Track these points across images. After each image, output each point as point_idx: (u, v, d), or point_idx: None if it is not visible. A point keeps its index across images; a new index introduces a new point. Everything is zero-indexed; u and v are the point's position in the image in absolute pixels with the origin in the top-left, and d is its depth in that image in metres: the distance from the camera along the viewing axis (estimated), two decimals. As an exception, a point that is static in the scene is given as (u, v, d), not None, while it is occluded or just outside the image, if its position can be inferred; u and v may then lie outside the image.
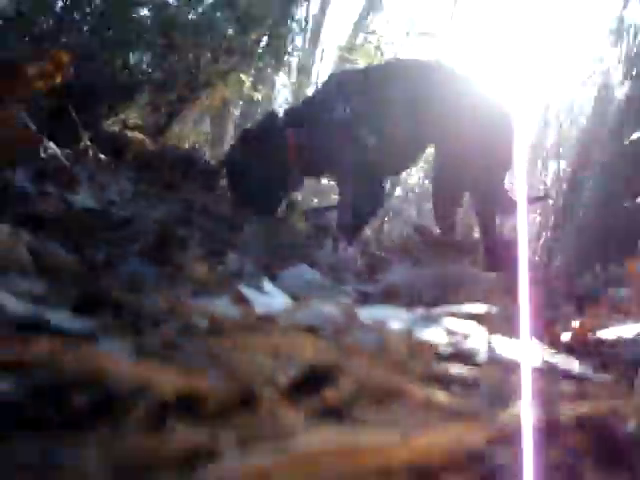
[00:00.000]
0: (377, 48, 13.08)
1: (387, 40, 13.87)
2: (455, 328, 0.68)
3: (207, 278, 0.98)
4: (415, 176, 13.59)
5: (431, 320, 0.68)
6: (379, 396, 0.41)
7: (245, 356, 0.46)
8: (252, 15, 3.33)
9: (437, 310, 0.73)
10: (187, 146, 4.09)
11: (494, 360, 0.64)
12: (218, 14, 3.28)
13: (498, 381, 0.54)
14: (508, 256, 3.05)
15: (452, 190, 3.37)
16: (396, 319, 0.67)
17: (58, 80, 0.96)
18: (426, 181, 12.75)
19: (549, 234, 7.52)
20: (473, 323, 0.71)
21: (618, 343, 0.94)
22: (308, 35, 16.16)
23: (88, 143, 2.39)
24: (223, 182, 3.42)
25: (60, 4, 2.86)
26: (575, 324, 1.03)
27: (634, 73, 5.59)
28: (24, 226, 0.91)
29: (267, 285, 0.79)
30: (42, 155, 2.38)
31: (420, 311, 0.72)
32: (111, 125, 3.29)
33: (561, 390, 0.54)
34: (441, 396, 0.45)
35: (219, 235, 2.32)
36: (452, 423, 0.38)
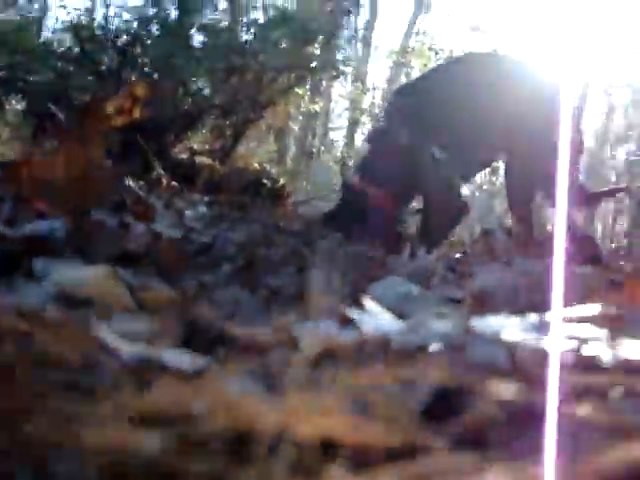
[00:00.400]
0: (430, 49, 13.02)
1: (439, 39, 13.80)
2: (575, 333, 0.65)
3: (303, 300, 0.96)
4: (480, 174, 13.43)
5: (548, 327, 0.65)
6: (523, 418, 0.39)
7: (374, 387, 0.44)
8: (307, 29, 3.33)
9: (550, 315, 0.70)
10: (253, 165, 4.12)
11: (627, 365, 0.60)
12: (275, 32, 3.29)
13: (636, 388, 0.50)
14: (590, 250, 2.96)
15: (526, 188, 3.30)
16: (512, 329, 0.64)
17: (136, 114, 0.97)
18: (493, 178, 12.58)
19: (627, 222, 7.30)
20: (591, 326, 0.67)
21: None
22: (360, 43, 16.21)
23: (161, 172, 2.43)
24: (291, 199, 3.44)
25: (122, 40, 2.94)
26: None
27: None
28: (118, 264, 0.91)
29: (369, 303, 0.76)
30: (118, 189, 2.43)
31: (533, 317, 0.69)
32: (179, 152, 3.34)
33: None
34: (589, 410, 0.42)
35: (300, 252, 2.31)
36: (621, 440, 0.35)
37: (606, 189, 4.12)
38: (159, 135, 3.03)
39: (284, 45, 3.38)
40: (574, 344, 0.63)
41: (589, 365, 0.61)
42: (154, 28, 3.05)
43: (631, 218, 6.49)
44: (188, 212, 2.46)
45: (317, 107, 9.53)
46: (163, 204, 2.40)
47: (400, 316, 0.88)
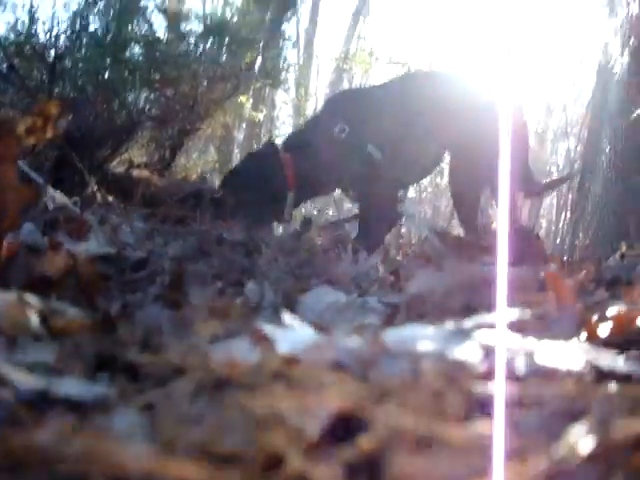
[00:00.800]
0: (370, 54, 13.11)
1: (379, 45, 13.91)
2: (489, 341, 0.64)
3: (226, 316, 0.94)
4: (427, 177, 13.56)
5: (462, 335, 0.64)
6: (419, 440, 0.38)
7: (269, 411, 0.42)
8: (241, 39, 3.32)
9: (467, 322, 0.70)
10: (195, 177, 4.08)
11: (536, 372, 0.60)
12: (208, 43, 3.28)
13: (545, 397, 0.50)
14: (531, 245, 3.01)
15: (470, 188, 3.34)
16: (425, 339, 0.63)
17: (49, 134, 0.93)
18: (437, 180, 12.71)
19: (568, 215, 7.44)
20: (506, 332, 0.67)
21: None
22: (302, 50, 16.24)
23: (95, 187, 2.38)
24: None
25: (52, 54, 2.88)
26: (612, 313, 0.98)
27: (631, 44, 5.52)
28: (33, 288, 0.88)
29: (287, 317, 0.75)
30: (50, 206, 2.37)
31: (450, 325, 0.68)
32: (116, 166, 3.29)
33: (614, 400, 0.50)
34: (486, 428, 0.41)
35: (238, 264, 2.28)
36: (512, 463, 0.34)
37: (553, 179, 4.22)
38: (94, 149, 2.97)
39: (220, 56, 3.36)
40: (488, 352, 0.63)
41: (503, 374, 0.61)
42: (84, 41, 3.00)
43: (570, 208, 6.61)
44: (124, 227, 2.41)
45: (260, 115, 9.50)
46: (98, 220, 2.35)
47: (323, 328, 0.87)
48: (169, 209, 2.89)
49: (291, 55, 14.74)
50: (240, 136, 13.12)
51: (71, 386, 0.54)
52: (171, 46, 3.39)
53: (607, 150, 5.49)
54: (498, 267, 0.97)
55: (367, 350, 0.58)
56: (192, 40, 3.43)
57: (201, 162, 4.95)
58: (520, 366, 0.61)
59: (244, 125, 12.16)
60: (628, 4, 5.70)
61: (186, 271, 1.31)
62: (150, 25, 3.43)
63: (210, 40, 3.38)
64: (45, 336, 0.74)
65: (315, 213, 9.18)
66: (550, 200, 13.16)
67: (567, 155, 11.16)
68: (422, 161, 3.42)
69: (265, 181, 3.23)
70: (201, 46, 3.38)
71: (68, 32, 2.97)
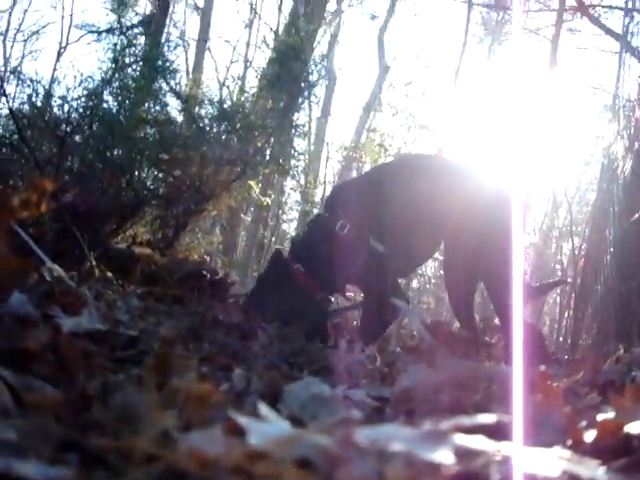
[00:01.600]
0: (380, 145, 13.37)
1: (389, 137, 14.19)
2: (465, 444, 0.63)
3: (205, 403, 0.93)
4: (431, 266, 13.60)
5: (437, 438, 0.63)
6: None
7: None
8: (251, 125, 3.39)
9: (444, 424, 0.68)
10: (197, 257, 4.10)
11: (506, 477, 0.58)
12: (217, 127, 3.34)
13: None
14: (535, 343, 2.99)
15: (465, 280, 3.34)
16: (398, 440, 0.61)
17: (43, 209, 0.94)
18: (441, 271, 12.72)
19: (570, 314, 7.39)
20: (483, 437, 0.65)
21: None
22: (312, 138, 16.58)
23: (94, 263, 2.38)
24: (232, 291, 3.41)
25: (63, 129, 2.94)
26: (599, 419, 0.96)
27: (635, 148, 5.62)
28: (11, 361, 0.87)
29: (264, 409, 0.73)
30: (47, 278, 2.37)
31: (426, 427, 0.67)
32: (119, 242, 3.31)
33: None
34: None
35: (231, 347, 2.25)
36: None
37: (545, 283, 4.19)
38: (98, 224, 2.99)
39: (229, 140, 3.43)
40: (462, 456, 0.61)
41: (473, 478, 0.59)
42: (95, 119, 3.07)
43: (573, 307, 6.57)
44: (119, 304, 2.40)
45: (268, 200, 9.62)
46: (94, 295, 2.34)
47: (300, 422, 0.85)
48: (168, 288, 2.89)
49: (302, 143, 15.04)
50: (247, 218, 13.26)
51: (31, 468, 0.53)
52: (181, 128, 3.47)
53: (610, 250, 5.51)
54: (508, 366, 0.95)
55: (335, 448, 0.56)
56: (202, 123, 3.50)
57: (205, 242, 4.97)
58: (494, 472, 0.60)
59: (252, 208, 12.31)
60: (633, 109, 5.83)
61: (172, 354, 1.30)
62: (163, 106, 3.51)
63: (219, 124, 3.45)
64: (14, 412, 0.72)
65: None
66: (554, 298, 13.12)
67: (571, 254, 11.17)
68: (421, 250, 3.43)
69: (289, 302, 3.22)
70: (211, 129, 3.45)
71: (81, 109, 3.04)
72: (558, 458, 0.67)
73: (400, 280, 3.69)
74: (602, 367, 1.95)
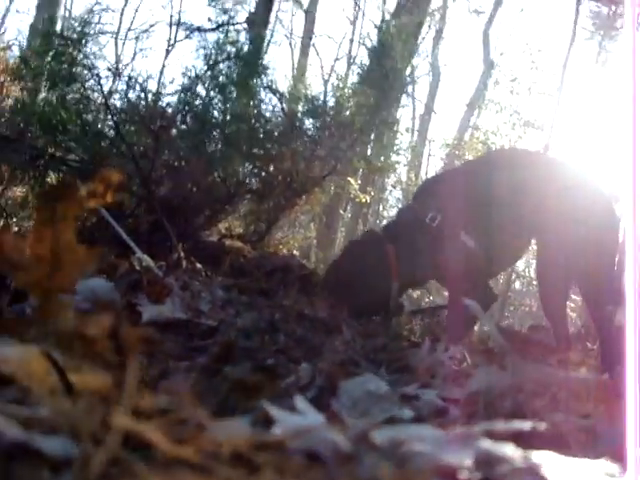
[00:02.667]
0: (483, 143, 13.13)
1: (492, 134, 13.91)
2: (490, 450, 0.61)
3: (255, 393, 0.94)
4: (533, 268, 13.22)
5: (462, 441, 0.61)
6: None
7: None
8: (342, 121, 3.39)
9: (475, 429, 0.66)
10: (289, 252, 4.14)
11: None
12: (308, 122, 3.37)
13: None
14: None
15: (559, 283, 3.22)
16: (421, 442, 0.60)
17: (108, 199, 0.98)
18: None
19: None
20: (512, 445, 0.63)
21: None
22: (415, 135, 16.46)
23: (182, 254, 2.45)
24: (322, 287, 3.42)
25: (158, 124, 3.04)
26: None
27: None
28: (69, 346, 0.90)
29: (300, 403, 0.73)
30: (137, 267, 2.45)
31: (456, 431, 0.65)
32: (211, 235, 3.38)
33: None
34: None
35: (311, 341, 2.27)
36: None
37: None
38: (190, 217, 3.08)
39: (316, 135, 3.45)
40: (484, 463, 0.59)
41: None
42: (189, 115, 3.16)
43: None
44: (204, 294, 2.46)
45: (367, 196, 9.59)
46: (180, 285, 2.41)
47: (335, 418, 0.85)
48: (254, 280, 2.94)
49: (404, 139, 14.94)
50: (347, 215, 13.30)
51: (50, 444, 0.55)
52: (274, 124, 3.51)
53: None
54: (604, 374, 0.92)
55: (348, 445, 0.56)
56: (295, 120, 3.53)
57: (299, 237, 5.02)
58: (516, 480, 0.58)
59: (351, 205, 12.34)
60: None
61: (237, 345, 1.32)
62: (258, 102, 3.57)
63: (310, 120, 3.48)
64: (60, 393, 0.75)
65: (415, 297, 9.08)
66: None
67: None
68: (513, 249, 3.33)
69: (372, 272, 3.22)
70: (302, 125, 3.48)
71: (176, 105, 3.14)
72: (594, 471, 0.64)
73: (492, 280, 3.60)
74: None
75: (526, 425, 0.69)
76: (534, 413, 1.12)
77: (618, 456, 0.85)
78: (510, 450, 0.62)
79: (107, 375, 0.88)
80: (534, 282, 13.86)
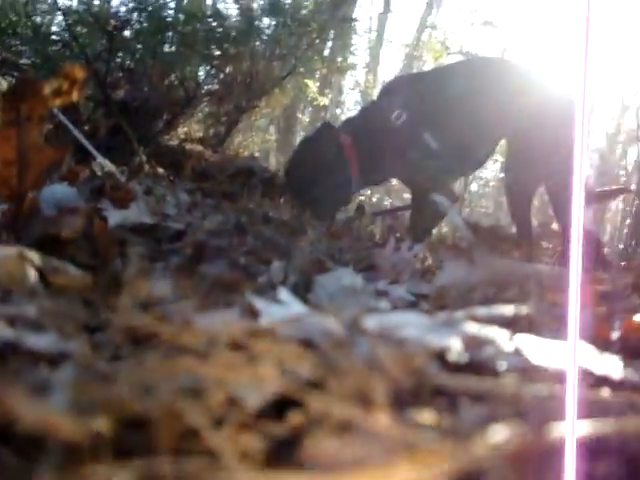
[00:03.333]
0: (442, 43, 12.94)
1: (451, 34, 13.72)
2: (476, 333, 0.62)
3: (234, 289, 0.94)
4: (490, 170, 13.35)
5: (450, 325, 0.62)
6: (344, 425, 0.36)
7: (219, 379, 0.41)
8: (302, 19, 3.30)
9: (459, 314, 0.68)
10: (250, 155, 4.10)
11: (514, 368, 0.58)
12: (265, 20, 3.27)
13: (504, 393, 0.48)
14: (593, 249, 2.93)
15: (526, 183, 3.26)
16: (410, 326, 0.61)
17: (75, 97, 0.94)
18: (501, 175, 12.50)
19: (632, 221, 7.22)
20: (496, 328, 0.65)
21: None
22: (373, 35, 16.13)
23: (144, 158, 2.41)
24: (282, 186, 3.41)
25: (112, 24, 2.92)
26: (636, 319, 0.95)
27: None
28: (41, 248, 0.89)
29: (283, 294, 0.74)
30: (98, 173, 2.41)
31: (441, 316, 0.66)
32: (171, 139, 3.32)
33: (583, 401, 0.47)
34: (426, 417, 0.39)
35: (277, 243, 2.28)
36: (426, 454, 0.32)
37: (608, 189, 4.07)
38: (149, 121, 3.00)
39: (275, 34, 3.35)
40: (471, 344, 0.61)
41: (478, 366, 0.59)
42: (143, 14, 3.03)
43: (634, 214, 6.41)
44: (168, 198, 2.43)
45: (326, 99, 9.47)
46: (143, 190, 2.38)
47: (320, 308, 0.86)
48: (218, 184, 2.91)
49: (361, 40, 14.65)
50: (305, 118, 13.14)
51: (40, 340, 0.55)
52: (231, 22, 3.40)
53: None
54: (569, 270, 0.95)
55: (341, 331, 0.56)
56: (253, 18, 3.42)
57: (259, 140, 4.95)
58: (501, 361, 0.59)
59: (310, 108, 12.18)
60: None
61: (209, 245, 1.32)
62: (213, 1, 3.45)
63: (270, 18, 3.37)
64: (41, 293, 0.75)
65: (374, 200, 9.12)
66: (616, 205, 12.82)
67: (637, 159, 10.81)
68: (478, 152, 3.34)
69: (329, 167, 3.19)
70: (261, 24, 3.37)
71: (129, 3, 3.01)
72: (574, 352, 0.66)
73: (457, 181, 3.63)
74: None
75: (508, 309, 0.71)
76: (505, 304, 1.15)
77: (590, 340, 0.89)
78: (495, 332, 0.64)
79: (85, 275, 0.88)
80: (491, 184, 14.04)
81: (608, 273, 2.40)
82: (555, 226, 3.86)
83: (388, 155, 3.19)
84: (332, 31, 3.98)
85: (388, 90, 3.38)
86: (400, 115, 3.13)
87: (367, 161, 3.18)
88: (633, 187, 7.82)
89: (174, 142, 3.28)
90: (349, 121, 3.44)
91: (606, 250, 4.33)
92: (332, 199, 3.24)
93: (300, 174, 3.22)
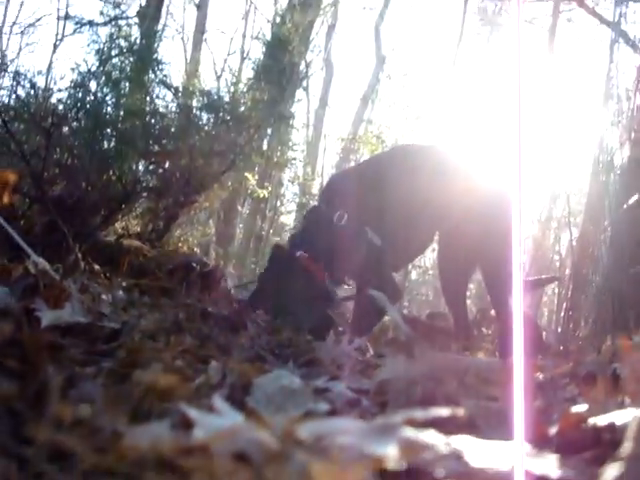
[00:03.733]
0: (377, 137, 13.34)
1: (386, 128, 14.17)
2: (414, 438, 0.62)
3: (168, 396, 0.91)
4: (429, 258, 13.57)
5: (385, 431, 0.62)
6: None
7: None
8: (240, 116, 3.36)
9: (396, 417, 0.67)
10: (188, 249, 4.08)
11: (453, 472, 0.57)
12: (204, 117, 3.32)
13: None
14: (530, 334, 2.95)
15: (459, 272, 3.31)
16: (346, 434, 0.60)
17: (5, 200, 0.93)
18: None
19: (568, 305, 7.37)
20: (434, 432, 0.64)
21: (614, 430, 0.87)
22: (311, 130, 16.54)
23: (79, 255, 2.37)
24: (224, 283, 3.38)
25: (49, 121, 2.92)
26: (572, 412, 0.95)
27: (632, 137, 5.57)
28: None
29: (218, 402, 0.72)
30: (32, 271, 2.35)
31: (378, 421, 0.66)
32: (108, 235, 3.28)
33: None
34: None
35: (215, 340, 2.24)
36: None
37: (538, 278, 4.17)
38: (87, 217, 2.97)
39: (214, 131, 3.40)
40: (409, 450, 0.60)
41: (417, 473, 0.58)
42: (81, 112, 3.05)
43: (570, 298, 6.54)
44: (104, 297, 2.39)
45: (265, 192, 9.57)
46: (79, 288, 2.33)
47: (255, 415, 0.84)
48: (156, 280, 2.87)
49: (299, 135, 14.96)
50: (245, 211, 13.23)
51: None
52: (171, 120, 3.44)
53: (607, 240, 5.49)
54: (504, 357, 0.94)
55: (275, 443, 0.55)
56: (192, 115, 3.47)
57: (199, 234, 4.95)
58: (440, 467, 0.58)
59: (250, 200, 12.28)
60: (629, 98, 5.77)
61: (142, 347, 1.29)
62: (152, 98, 3.49)
63: (208, 115, 3.42)
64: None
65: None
66: (552, 289, 13.11)
67: (569, 245, 11.13)
68: (417, 243, 3.39)
69: (304, 284, 3.16)
70: (200, 120, 3.42)
71: (67, 101, 3.02)
72: (512, 452, 0.66)
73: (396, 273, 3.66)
74: (586, 359, 1.93)
75: (444, 411, 0.70)
76: (445, 399, 1.14)
77: (528, 436, 0.89)
78: (432, 436, 0.63)
79: (11, 384, 0.84)
80: (430, 272, 14.24)
81: (546, 359, 2.43)
82: (494, 312, 3.90)
83: (338, 256, 3.20)
84: (270, 127, 4.06)
85: (327, 190, 3.43)
86: (342, 216, 3.17)
87: (327, 266, 3.18)
88: (567, 272, 8.04)
89: (111, 238, 3.25)
90: (298, 234, 3.46)
91: (544, 334, 4.39)
92: (321, 311, 3.18)
93: (274, 301, 3.17)
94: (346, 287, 3.72)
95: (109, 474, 0.46)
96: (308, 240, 3.20)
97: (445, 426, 0.73)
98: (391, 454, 0.56)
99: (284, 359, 2.10)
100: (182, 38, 19.36)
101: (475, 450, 0.64)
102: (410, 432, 0.62)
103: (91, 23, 5.47)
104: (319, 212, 3.31)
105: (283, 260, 3.21)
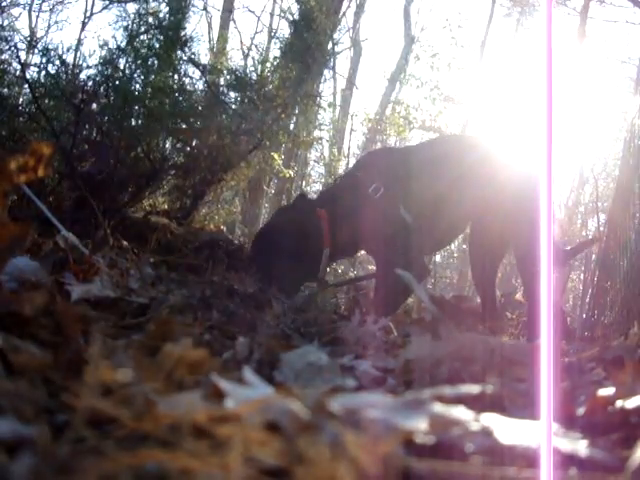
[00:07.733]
0: (405, 118, 13.27)
1: (413, 109, 14.07)
2: (443, 413, 0.62)
3: (198, 368, 0.93)
4: (456, 242, 13.51)
5: (415, 406, 0.62)
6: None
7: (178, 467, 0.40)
8: (267, 95, 3.36)
9: (425, 393, 0.67)
10: (214, 227, 4.09)
11: (482, 448, 0.57)
12: (231, 95, 3.32)
13: (473, 475, 0.48)
14: (555, 320, 2.94)
15: (490, 256, 3.30)
16: (375, 408, 0.61)
17: (40, 173, 0.94)
18: (464, 246, 12.66)
19: (594, 291, 7.30)
20: (463, 408, 0.65)
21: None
22: (338, 110, 16.47)
23: (108, 231, 2.39)
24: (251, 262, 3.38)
25: (79, 97, 2.94)
26: (600, 394, 0.95)
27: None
28: (3, 326, 0.87)
29: (248, 375, 0.73)
30: (62, 246, 2.38)
31: (407, 396, 0.66)
32: (136, 212, 3.31)
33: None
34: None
35: (242, 317, 2.26)
36: None
37: (575, 245, 4.13)
38: (115, 193, 3.00)
39: (241, 110, 3.40)
40: (437, 426, 0.60)
41: (444, 449, 0.59)
42: (110, 88, 3.07)
43: (596, 283, 6.48)
44: (132, 272, 2.41)
45: (291, 172, 9.56)
46: (107, 263, 2.35)
47: (285, 388, 0.85)
48: (183, 257, 2.90)
49: (326, 114, 14.91)
50: (271, 191, 13.23)
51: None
52: (199, 97, 3.45)
53: (635, 225, 5.42)
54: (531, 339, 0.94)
55: (307, 414, 0.56)
56: (219, 93, 3.47)
57: (224, 212, 4.96)
58: (470, 443, 0.59)
59: (275, 180, 12.28)
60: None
61: (172, 321, 1.30)
62: (181, 75, 3.50)
63: (236, 93, 3.42)
64: (0, 373, 0.73)
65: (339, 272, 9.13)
66: (577, 275, 13.01)
67: (597, 230, 11.01)
68: (451, 228, 3.37)
69: (301, 238, 3.17)
70: (227, 99, 3.42)
71: (96, 78, 3.04)
72: (540, 430, 0.66)
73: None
74: (613, 344, 1.92)
75: (473, 388, 0.71)
76: (471, 379, 1.15)
77: (555, 417, 0.89)
78: (462, 412, 0.63)
79: (45, 354, 0.86)
80: (455, 255, 14.18)
81: (571, 344, 2.42)
82: (519, 296, 3.89)
83: (363, 227, 3.19)
84: (297, 106, 4.05)
85: (365, 163, 3.40)
86: (378, 188, 3.15)
87: (341, 233, 3.18)
88: (594, 257, 7.96)
89: (139, 214, 3.27)
90: (326, 192, 3.45)
91: (569, 320, 4.37)
92: (301, 271, 3.22)
93: (271, 243, 3.20)
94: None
95: (145, 440, 0.47)
96: (338, 202, 3.18)
97: (472, 405, 0.73)
98: (421, 428, 0.57)
99: (309, 337, 2.11)
100: (207, 16, 19.33)
101: (504, 427, 0.65)
102: (440, 408, 0.63)
103: (119, 0, 5.48)
104: (355, 179, 3.28)
105: (300, 210, 3.20)
